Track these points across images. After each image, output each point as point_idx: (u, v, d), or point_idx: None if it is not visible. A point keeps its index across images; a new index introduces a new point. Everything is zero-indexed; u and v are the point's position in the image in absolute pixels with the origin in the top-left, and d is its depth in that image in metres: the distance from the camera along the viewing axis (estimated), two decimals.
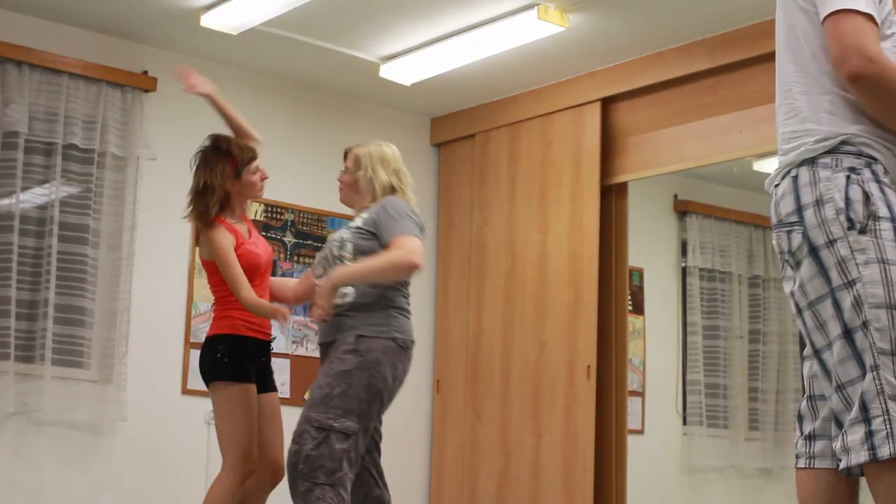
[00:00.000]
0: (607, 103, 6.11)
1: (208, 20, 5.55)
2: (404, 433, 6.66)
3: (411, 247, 3.96)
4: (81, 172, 5.68)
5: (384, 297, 3.98)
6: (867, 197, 2.47)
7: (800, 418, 2.69)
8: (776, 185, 2.62)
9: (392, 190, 4.16)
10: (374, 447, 4.10)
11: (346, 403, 3.83)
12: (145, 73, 5.90)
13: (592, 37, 5.67)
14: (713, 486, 7.27)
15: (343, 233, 4.13)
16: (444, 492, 6.60)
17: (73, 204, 5.65)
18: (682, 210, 7.29)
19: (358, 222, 4.09)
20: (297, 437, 3.85)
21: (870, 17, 2.49)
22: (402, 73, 6.15)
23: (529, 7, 5.37)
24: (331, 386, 3.85)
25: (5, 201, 5.50)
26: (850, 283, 2.45)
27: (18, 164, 5.49)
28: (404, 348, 3.98)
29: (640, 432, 6.86)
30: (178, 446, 5.82)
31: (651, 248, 7.16)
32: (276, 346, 6.18)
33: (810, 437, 2.64)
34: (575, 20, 5.47)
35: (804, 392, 2.69)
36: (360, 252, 3.99)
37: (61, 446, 5.53)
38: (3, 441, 5.40)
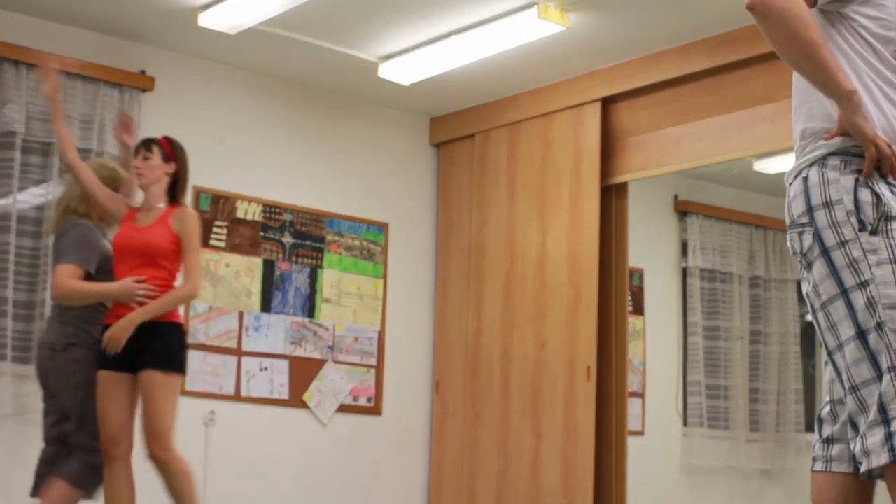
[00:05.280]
0: (607, 103, 6.10)
1: (206, 19, 5.53)
2: (404, 433, 6.65)
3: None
4: None
5: None
6: (878, 198, 2.46)
7: (819, 422, 2.70)
8: (789, 184, 2.62)
9: None
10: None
11: None
12: (143, 72, 5.89)
13: (592, 36, 5.66)
14: (713, 488, 7.26)
15: None
16: (444, 492, 6.59)
17: None
18: (683, 210, 7.28)
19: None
20: None
21: None
22: (401, 72, 6.13)
23: (529, 6, 5.35)
24: None
25: (2, 201, 5.49)
26: (863, 284, 2.44)
27: (15, 164, 5.48)
28: None
29: (641, 433, 6.85)
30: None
31: (651, 248, 7.14)
32: (274, 347, 6.23)
33: (828, 441, 2.65)
34: (575, 19, 5.45)
35: (826, 396, 2.69)
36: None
37: None
38: (0, 442, 5.39)
